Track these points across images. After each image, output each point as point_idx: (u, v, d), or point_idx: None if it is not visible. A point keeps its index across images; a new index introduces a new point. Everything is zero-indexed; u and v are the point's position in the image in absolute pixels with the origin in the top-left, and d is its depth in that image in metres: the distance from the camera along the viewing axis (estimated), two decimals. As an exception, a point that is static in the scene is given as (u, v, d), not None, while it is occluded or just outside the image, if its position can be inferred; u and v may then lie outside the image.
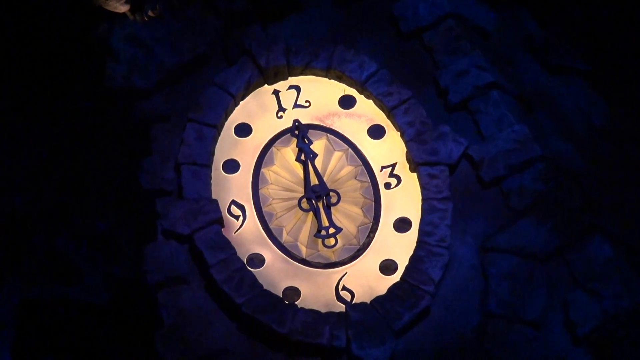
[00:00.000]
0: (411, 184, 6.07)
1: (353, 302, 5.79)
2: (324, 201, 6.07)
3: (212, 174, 6.12)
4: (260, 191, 6.12)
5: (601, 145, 6.39)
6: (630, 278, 5.74)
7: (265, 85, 6.38)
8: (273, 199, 6.12)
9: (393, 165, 6.16)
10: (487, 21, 6.58)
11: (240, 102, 6.33)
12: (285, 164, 6.22)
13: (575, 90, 6.66)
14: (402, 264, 5.84)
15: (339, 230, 6.01)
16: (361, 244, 5.99)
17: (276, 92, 6.38)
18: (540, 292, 5.70)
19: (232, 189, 6.13)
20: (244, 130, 6.30)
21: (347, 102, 6.34)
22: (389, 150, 6.20)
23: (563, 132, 6.34)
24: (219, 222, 5.92)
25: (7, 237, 6.28)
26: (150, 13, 6.33)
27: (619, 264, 5.76)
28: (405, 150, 6.10)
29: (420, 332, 5.66)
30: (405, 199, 6.06)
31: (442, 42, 6.35)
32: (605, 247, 5.80)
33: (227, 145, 6.23)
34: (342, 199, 6.10)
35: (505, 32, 6.63)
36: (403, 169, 6.13)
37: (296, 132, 6.26)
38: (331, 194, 6.10)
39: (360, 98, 6.32)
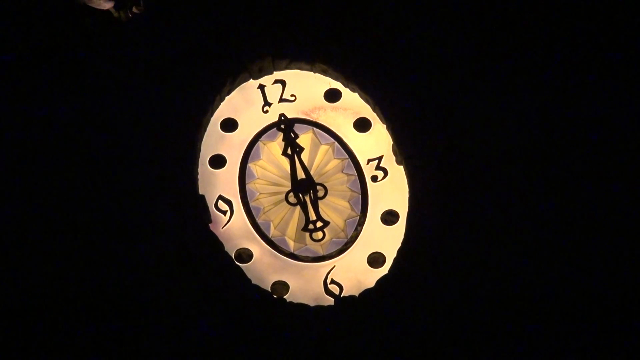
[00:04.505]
0: (398, 177, 6.08)
1: (342, 296, 5.80)
2: (311, 195, 6.08)
3: (199, 169, 6.11)
4: (247, 186, 6.12)
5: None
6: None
7: (251, 80, 6.37)
8: (260, 193, 6.12)
9: (379, 158, 6.17)
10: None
11: (226, 97, 6.32)
12: (272, 158, 6.22)
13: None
14: (390, 256, 5.85)
15: (326, 223, 6.02)
16: (349, 237, 6.00)
17: (261, 87, 6.37)
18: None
19: (219, 184, 6.12)
20: (230, 125, 6.29)
21: (332, 96, 6.34)
22: (375, 143, 6.21)
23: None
24: (207, 217, 5.92)
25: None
26: (134, 9, 6.30)
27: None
28: (392, 142, 6.11)
29: (410, 323, 5.67)
30: (392, 191, 6.07)
31: (426, 35, 6.34)
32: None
33: (213, 140, 6.22)
34: (329, 192, 6.10)
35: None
36: (389, 161, 6.14)
37: (282, 126, 6.26)
38: (318, 187, 6.10)
39: (345, 91, 6.32)
